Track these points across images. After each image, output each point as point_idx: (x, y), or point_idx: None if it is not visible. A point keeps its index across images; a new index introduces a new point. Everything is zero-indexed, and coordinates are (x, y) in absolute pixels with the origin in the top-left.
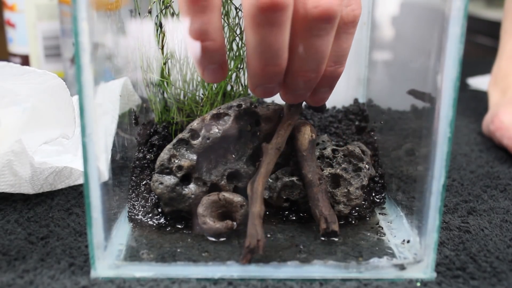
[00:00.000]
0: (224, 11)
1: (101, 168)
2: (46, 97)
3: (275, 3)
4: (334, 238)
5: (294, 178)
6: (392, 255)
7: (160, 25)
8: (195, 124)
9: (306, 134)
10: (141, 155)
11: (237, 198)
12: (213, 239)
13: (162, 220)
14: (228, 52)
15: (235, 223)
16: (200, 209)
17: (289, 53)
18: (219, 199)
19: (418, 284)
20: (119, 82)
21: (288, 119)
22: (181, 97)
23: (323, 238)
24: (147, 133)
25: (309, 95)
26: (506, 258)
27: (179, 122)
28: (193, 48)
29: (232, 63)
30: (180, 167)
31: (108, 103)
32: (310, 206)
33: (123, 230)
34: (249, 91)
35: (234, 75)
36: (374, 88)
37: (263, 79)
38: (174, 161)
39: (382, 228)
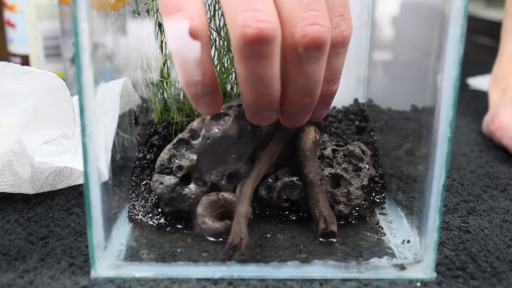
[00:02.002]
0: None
1: (101, 168)
2: (46, 97)
3: (260, 37)
4: (332, 239)
5: (294, 178)
6: (392, 255)
7: (160, 25)
8: (195, 124)
9: (310, 134)
10: (141, 155)
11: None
12: (212, 239)
13: (162, 220)
14: (227, 54)
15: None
16: (199, 209)
17: (282, 81)
18: (219, 199)
19: (418, 284)
20: (119, 82)
21: (286, 129)
22: (181, 97)
23: (321, 239)
24: (147, 133)
25: None
26: (506, 258)
27: (179, 122)
28: (185, 83)
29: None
30: (180, 167)
31: (108, 103)
32: (310, 206)
33: (123, 230)
34: None
35: (234, 75)
36: (374, 88)
37: (258, 108)
38: (174, 161)
39: (382, 228)
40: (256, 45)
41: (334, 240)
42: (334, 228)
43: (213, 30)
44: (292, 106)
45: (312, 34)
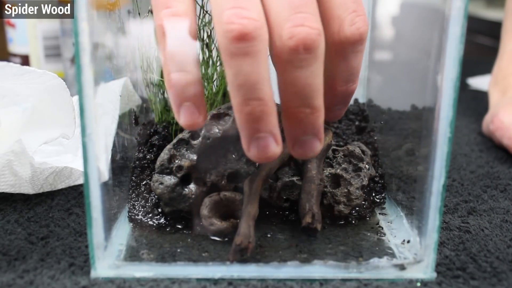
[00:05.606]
0: None
1: (101, 168)
2: (46, 97)
3: (243, 33)
4: (312, 236)
5: (294, 178)
6: (392, 255)
7: None
8: None
9: (327, 137)
10: (141, 155)
11: (239, 196)
12: (214, 238)
13: (162, 220)
14: None
15: (238, 221)
16: (205, 211)
17: (279, 91)
18: (221, 199)
19: (418, 284)
20: (119, 82)
21: None
22: None
23: (302, 232)
24: (147, 133)
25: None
26: (506, 258)
27: None
28: (168, 82)
29: None
30: (180, 167)
31: (108, 103)
32: (301, 198)
33: (123, 230)
34: None
35: None
36: (374, 88)
37: (252, 124)
38: (174, 161)
39: (382, 228)
40: (239, 41)
41: (314, 238)
42: (318, 227)
43: (210, 32)
44: (290, 120)
45: (300, 36)
